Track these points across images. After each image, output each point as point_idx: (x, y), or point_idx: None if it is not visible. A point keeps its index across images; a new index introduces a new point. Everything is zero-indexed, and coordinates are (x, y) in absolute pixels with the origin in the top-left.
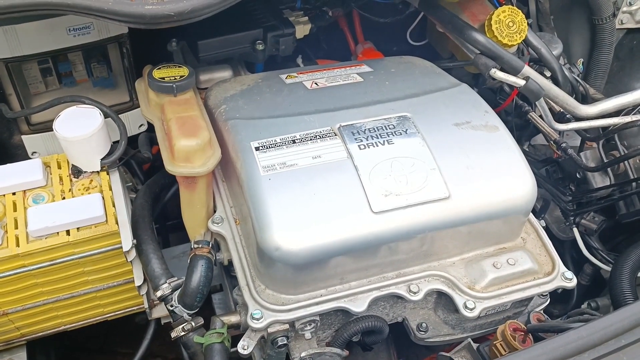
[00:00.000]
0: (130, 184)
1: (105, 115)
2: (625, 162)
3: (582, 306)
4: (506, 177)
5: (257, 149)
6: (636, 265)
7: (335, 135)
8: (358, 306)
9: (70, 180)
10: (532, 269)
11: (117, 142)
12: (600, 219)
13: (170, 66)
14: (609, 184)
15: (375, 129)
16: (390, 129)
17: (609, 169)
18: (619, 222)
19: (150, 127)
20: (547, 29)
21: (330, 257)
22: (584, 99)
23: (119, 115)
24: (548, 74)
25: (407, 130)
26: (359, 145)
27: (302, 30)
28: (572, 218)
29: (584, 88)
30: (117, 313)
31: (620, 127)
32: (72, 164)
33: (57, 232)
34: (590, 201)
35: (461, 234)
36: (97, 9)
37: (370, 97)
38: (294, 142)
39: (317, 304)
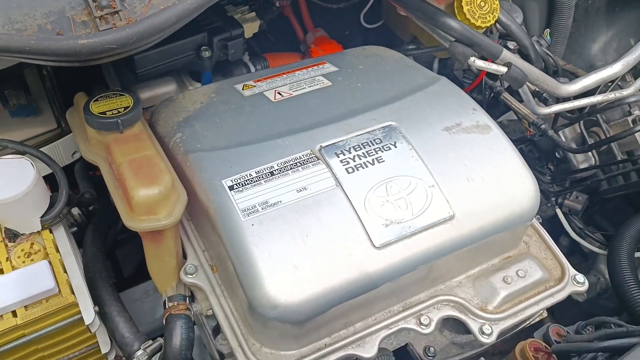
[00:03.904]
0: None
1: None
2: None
3: None
4: (509, 186)
5: (231, 188)
6: (632, 248)
7: (318, 159)
8: (368, 351)
9: (6, 246)
10: (543, 277)
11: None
12: (584, 197)
13: (109, 95)
14: (592, 163)
15: (361, 146)
16: (377, 143)
17: None
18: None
19: None
20: None
21: (334, 305)
22: (556, 73)
23: (49, 145)
24: (511, 45)
25: (395, 142)
26: (346, 169)
27: (251, 28)
28: (554, 199)
29: (554, 61)
30: None
31: (605, 107)
32: (5, 227)
33: (1, 315)
34: (572, 181)
35: (467, 252)
36: (17, 49)
37: (347, 106)
38: (272, 174)
39: (322, 356)
